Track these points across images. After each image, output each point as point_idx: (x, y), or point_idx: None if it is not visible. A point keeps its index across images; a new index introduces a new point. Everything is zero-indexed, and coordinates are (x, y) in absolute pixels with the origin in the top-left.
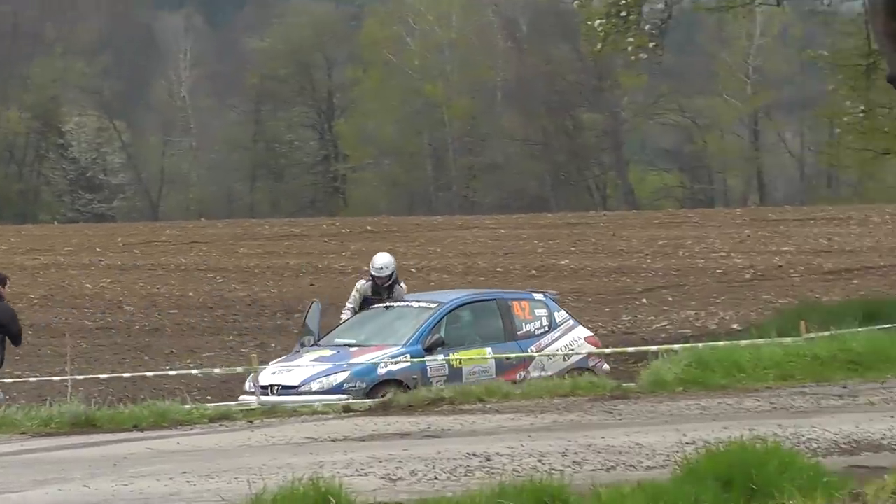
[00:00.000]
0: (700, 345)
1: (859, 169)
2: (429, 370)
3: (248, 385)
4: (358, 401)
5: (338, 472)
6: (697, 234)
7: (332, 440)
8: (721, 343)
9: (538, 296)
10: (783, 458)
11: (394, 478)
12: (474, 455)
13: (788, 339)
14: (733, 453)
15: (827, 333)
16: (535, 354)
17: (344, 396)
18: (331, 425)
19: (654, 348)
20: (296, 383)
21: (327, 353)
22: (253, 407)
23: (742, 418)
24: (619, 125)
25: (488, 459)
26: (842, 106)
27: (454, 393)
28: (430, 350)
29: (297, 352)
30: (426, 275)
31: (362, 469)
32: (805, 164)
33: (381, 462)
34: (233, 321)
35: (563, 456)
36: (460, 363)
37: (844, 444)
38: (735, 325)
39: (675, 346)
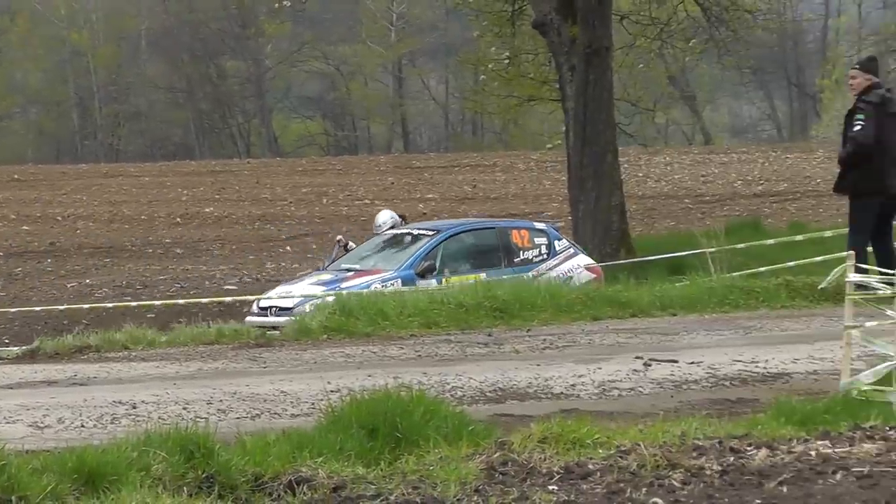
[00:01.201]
0: (344, 292)
1: (504, 116)
2: None
3: (254, 307)
4: (5, 349)
5: None
6: (341, 182)
7: None
8: (365, 290)
9: (539, 225)
10: (428, 406)
11: (41, 425)
12: (120, 403)
13: (433, 286)
14: (378, 401)
15: (472, 280)
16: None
17: None
18: None
19: (297, 296)
20: (290, 305)
21: (326, 277)
22: None
23: (387, 366)
24: (263, 73)
25: (134, 407)
26: (486, 53)
27: (99, 340)
28: (422, 275)
29: (302, 276)
30: (73, 223)
31: (10, 417)
32: (449, 111)
33: (28, 410)
34: None
35: (208, 404)
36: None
37: (490, 392)
38: None
39: (319, 293)
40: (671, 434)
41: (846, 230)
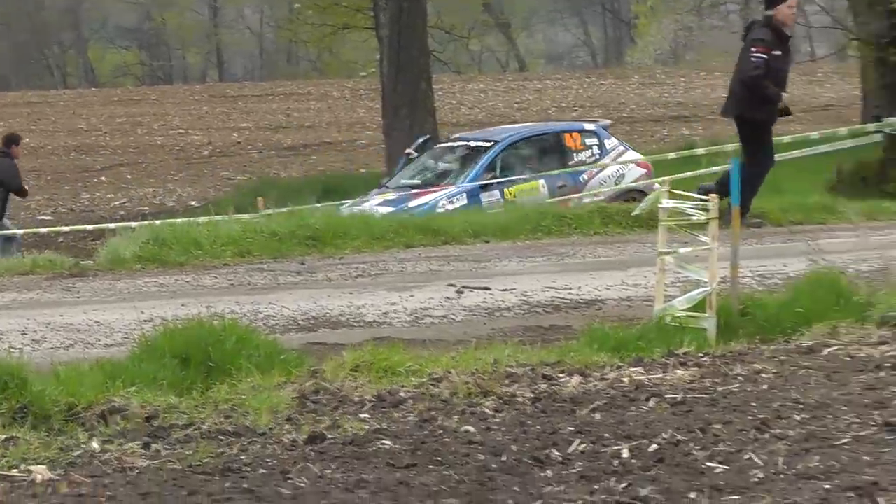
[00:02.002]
0: (158, 222)
1: (318, 44)
2: (484, 206)
3: None
4: None
5: None
6: (156, 111)
7: None
8: (179, 220)
9: (589, 126)
10: (241, 335)
11: None
12: None
13: (246, 216)
14: (191, 330)
15: (285, 210)
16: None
17: None
18: None
19: (112, 226)
20: None
21: (391, 195)
22: None
23: (200, 295)
24: (79, 4)
25: None
26: None
27: None
28: (485, 187)
29: (367, 194)
30: None
31: None
32: (264, 40)
33: None
34: None
35: (22, 334)
36: (514, 196)
37: (302, 320)
38: (193, 202)
39: (133, 224)
40: (484, 361)
41: (661, 156)
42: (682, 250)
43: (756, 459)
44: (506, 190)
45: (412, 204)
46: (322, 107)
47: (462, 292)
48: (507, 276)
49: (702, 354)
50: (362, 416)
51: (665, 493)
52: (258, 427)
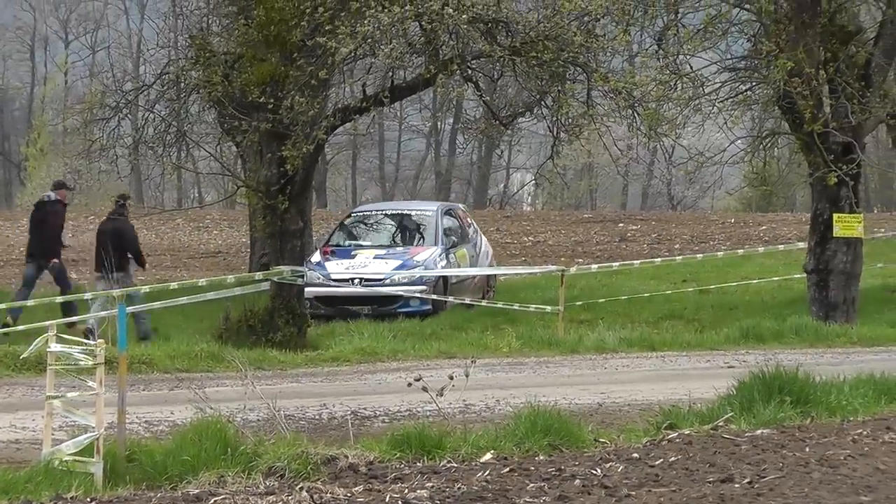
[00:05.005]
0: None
1: None
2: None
3: (318, 279)
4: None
5: None
6: None
7: None
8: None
9: (462, 205)
10: None
11: None
12: None
13: (453, 259)
14: None
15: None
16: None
17: (423, 287)
18: None
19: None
20: (381, 277)
21: (380, 252)
22: None
23: None
24: None
25: None
26: None
27: None
28: (449, 250)
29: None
30: None
31: None
32: None
33: None
34: None
35: None
36: (457, 261)
37: None
38: None
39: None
40: None
41: (49, 299)
42: (70, 394)
43: None
44: (456, 253)
45: (418, 259)
46: None
47: None
48: None
49: (90, 499)
50: None
51: None
52: None
